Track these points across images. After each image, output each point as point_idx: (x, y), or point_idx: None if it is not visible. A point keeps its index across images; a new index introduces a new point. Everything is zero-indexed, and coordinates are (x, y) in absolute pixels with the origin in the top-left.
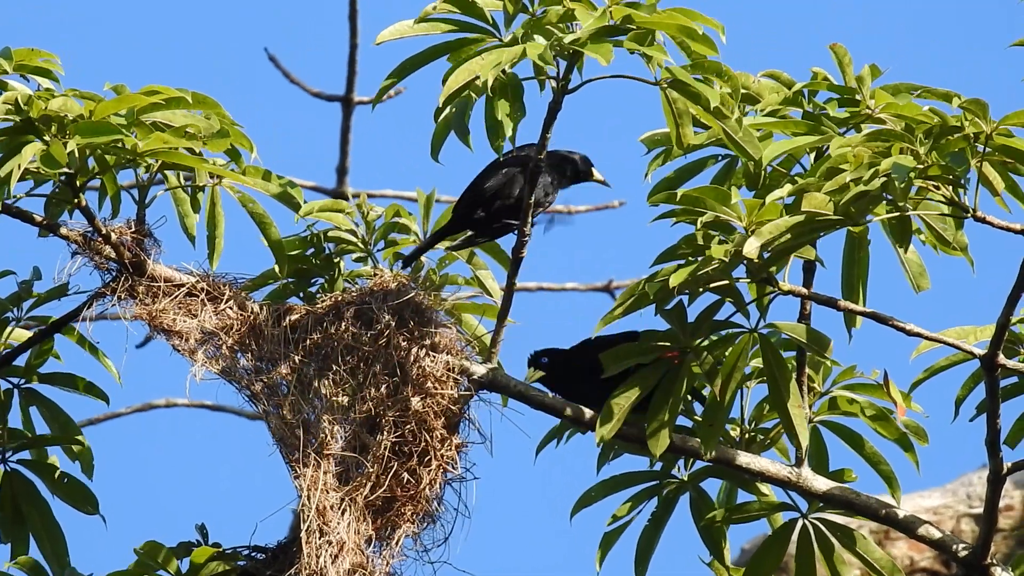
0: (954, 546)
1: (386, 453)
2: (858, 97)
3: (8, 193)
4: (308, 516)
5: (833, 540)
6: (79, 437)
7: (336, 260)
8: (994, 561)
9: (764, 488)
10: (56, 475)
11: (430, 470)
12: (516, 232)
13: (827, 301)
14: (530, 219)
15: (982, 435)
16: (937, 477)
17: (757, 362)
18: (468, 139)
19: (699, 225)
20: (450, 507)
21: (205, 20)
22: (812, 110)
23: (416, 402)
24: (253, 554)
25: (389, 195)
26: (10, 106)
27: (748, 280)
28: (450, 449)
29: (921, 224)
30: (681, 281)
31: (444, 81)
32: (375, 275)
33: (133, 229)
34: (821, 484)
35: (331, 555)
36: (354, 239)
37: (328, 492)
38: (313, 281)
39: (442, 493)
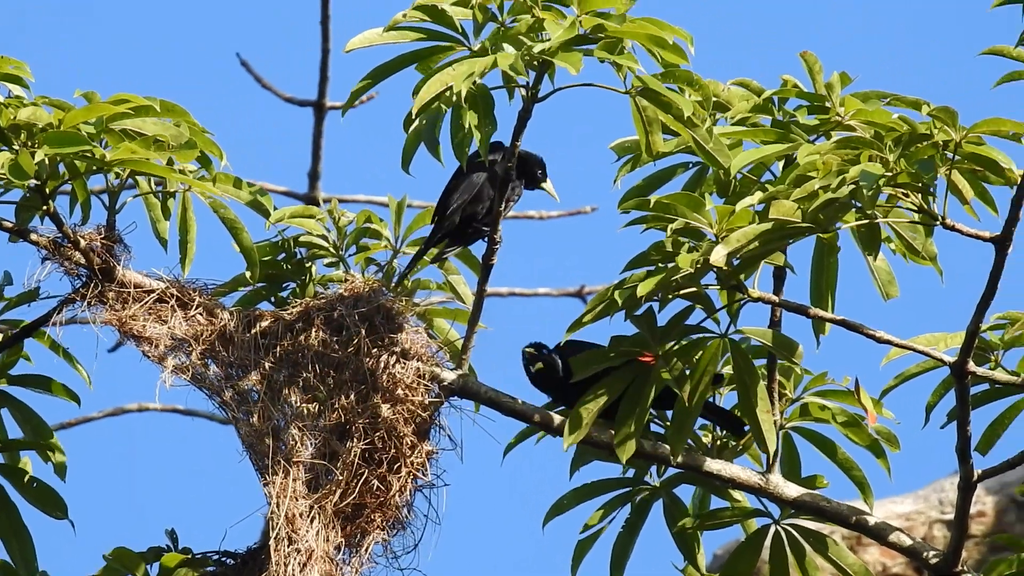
0: (925, 553)
1: (356, 460)
2: (828, 104)
3: None
4: (277, 524)
5: (806, 545)
6: (52, 440)
7: (308, 265)
8: (965, 568)
9: (737, 494)
10: (25, 479)
11: (400, 477)
12: (486, 239)
13: (797, 308)
14: (499, 226)
15: (954, 441)
16: (909, 483)
17: (729, 369)
18: (439, 151)
19: (669, 232)
20: (420, 514)
21: (178, 24)
22: (782, 117)
23: (386, 409)
24: (223, 559)
25: (361, 200)
26: None
27: (718, 287)
28: (420, 456)
29: (891, 232)
30: (649, 291)
31: (415, 92)
32: (346, 280)
33: (103, 235)
34: (792, 491)
35: (299, 563)
36: (326, 244)
37: (297, 500)
38: (285, 286)
39: (412, 500)
